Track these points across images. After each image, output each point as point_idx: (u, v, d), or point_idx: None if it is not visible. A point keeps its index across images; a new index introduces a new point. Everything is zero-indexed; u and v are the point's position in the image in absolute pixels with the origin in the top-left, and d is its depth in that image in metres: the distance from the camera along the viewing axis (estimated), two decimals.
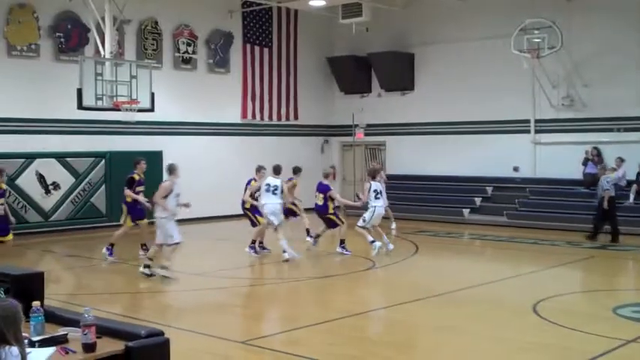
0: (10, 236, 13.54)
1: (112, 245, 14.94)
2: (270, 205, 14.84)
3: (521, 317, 9.91)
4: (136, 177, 14.92)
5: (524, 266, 14.98)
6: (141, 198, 14.83)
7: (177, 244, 12.83)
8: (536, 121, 21.96)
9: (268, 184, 14.95)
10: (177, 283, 12.61)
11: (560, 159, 21.06)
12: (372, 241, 15.27)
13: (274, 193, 14.90)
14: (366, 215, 15.52)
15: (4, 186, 13.84)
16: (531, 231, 19.24)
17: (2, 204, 13.41)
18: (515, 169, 22.54)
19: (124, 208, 15.03)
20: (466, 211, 22.01)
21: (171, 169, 12.91)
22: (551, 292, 11.67)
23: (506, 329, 9.29)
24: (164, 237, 12.72)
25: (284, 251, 14.55)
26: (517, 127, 22.32)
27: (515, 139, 22.33)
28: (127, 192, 14.78)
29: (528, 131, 22.12)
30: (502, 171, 22.46)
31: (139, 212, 15.03)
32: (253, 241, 15.45)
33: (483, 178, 22.74)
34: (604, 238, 17.51)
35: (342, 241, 15.69)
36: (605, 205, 17.19)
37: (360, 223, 15.46)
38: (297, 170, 17.25)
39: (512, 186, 22.11)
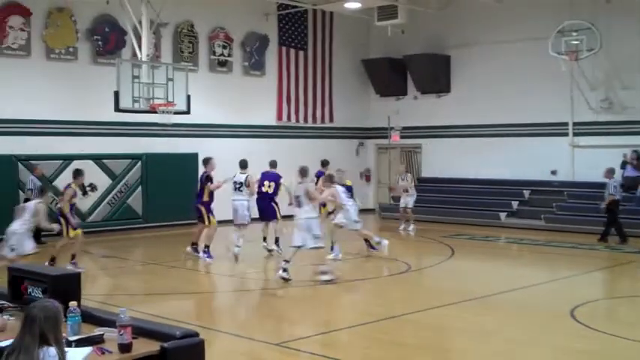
0: (79, 231, 14.09)
1: (207, 247, 15.26)
2: (235, 202, 15.42)
3: (559, 322, 9.77)
4: (212, 175, 15.56)
5: (562, 270, 14.80)
6: (219, 183, 15.50)
7: (320, 248, 12.85)
8: (575, 124, 21.67)
9: (235, 182, 15.47)
10: (221, 284, 12.60)
11: (598, 162, 20.74)
12: (379, 242, 15.39)
13: (239, 190, 15.42)
14: (353, 216, 15.06)
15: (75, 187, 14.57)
16: (569, 235, 19.00)
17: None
18: (553, 172, 22.28)
19: (203, 209, 15.38)
20: (503, 215, 21.79)
21: (305, 172, 13.11)
22: (589, 297, 11.53)
23: (542, 334, 9.16)
24: (312, 239, 12.61)
25: (237, 246, 14.96)
26: (555, 129, 22.06)
27: (553, 142, 22.07)
28: (210, 185, 15.32)
29: (566, 134, 21.84)
30: (539, 174, 22.22)
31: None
32: (206, 246, 15.44)
33: (520, 182, 22.52)
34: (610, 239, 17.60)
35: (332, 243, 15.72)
36: (603, 205, 17.51)
37: (358, 226, 15.26)
38: (325, 163, 17.24)
39: (549, 189, 21.86)
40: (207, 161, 15.76)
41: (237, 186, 15.49)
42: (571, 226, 19.83)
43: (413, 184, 21.11)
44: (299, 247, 12.69)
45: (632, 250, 16.58)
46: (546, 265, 15.57)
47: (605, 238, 17.61)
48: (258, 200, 16.06)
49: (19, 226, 12.43)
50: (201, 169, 19.88)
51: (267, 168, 16.31)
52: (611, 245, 17.26)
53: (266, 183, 15.90)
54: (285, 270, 12.57)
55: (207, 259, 15.07)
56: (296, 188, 13.01)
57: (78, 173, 14.62)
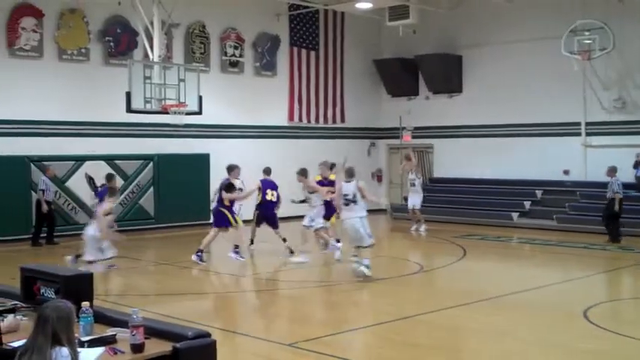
0: None
1: (237, 246, 15.38)
2: (235, 207, 15.88)
3: (572, 323, 9.73)
4: (234, 183, 15.57)
5: (574, 271, 14.72)
6: (241, 195, 15.70)
7: (373, 245, 13.10)
8: (587, 123, 21.54)
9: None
10: (233, 285, 12.63)
11: (611, 162, 20.61)
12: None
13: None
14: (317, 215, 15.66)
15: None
16: (581, 235, 18.90)
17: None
18: (566, 172, 22.18)
19: (226, 211, 15.26)
20: (515, 215, 21.72)
21: (352, 172, 13.15)
22: (602, 298, 11.50)
23: (555, 335, 9.12)
24: (365, 237, 12.84)
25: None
26: (567, 129, 21.96)
27: (566, 142, 21.97)
28: (227, 195, 15.16)
29: (579, 134, 21.73)
30: (552, 174, 22.12)
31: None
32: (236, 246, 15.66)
33: (533, 182, 22.44)
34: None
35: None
36: (617, 207, 17.37)
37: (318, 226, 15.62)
38: (332, 167, 17.27)
39: (562, 189, 21.75)
40: (232, 168, 15.71)
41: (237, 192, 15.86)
42: (583, 226, 19.71)
43: (421, 180, 21.03)
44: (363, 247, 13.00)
45: None
46: (559, 266, 15.50)
47: (618, 238, 17.51)
48: (263, 208, 16.06)
49: (94, 230, 12.85)
50: (212, 170, 20.13)
51: (269, 171, 16.46)
52: (623, 245, 17.17)
53: (269, 192, 15.96)
54: (358, 263, 12.89)
55: (240, 259, 15.10)
56: (343, 186, 13.03)
57: (112, 177, 15.21)
